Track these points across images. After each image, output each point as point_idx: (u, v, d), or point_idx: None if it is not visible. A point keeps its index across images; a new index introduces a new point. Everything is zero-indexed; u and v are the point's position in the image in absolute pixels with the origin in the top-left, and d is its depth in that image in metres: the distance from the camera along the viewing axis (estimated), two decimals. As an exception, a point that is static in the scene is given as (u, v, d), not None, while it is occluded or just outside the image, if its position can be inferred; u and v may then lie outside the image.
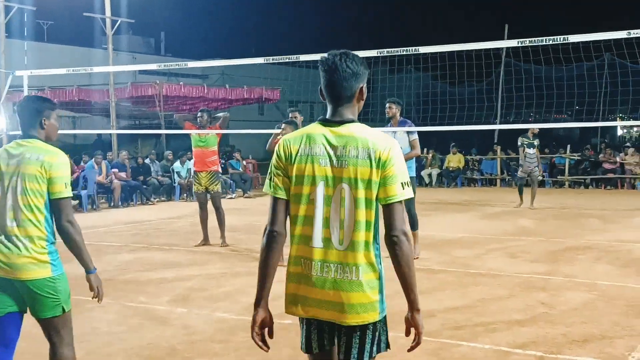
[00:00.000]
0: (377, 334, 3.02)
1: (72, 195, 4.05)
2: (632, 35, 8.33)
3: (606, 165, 22.56)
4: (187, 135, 11.53)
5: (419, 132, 9.84)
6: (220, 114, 11.71)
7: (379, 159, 2.90)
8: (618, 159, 22.63)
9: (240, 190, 21.67)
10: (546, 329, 6.13)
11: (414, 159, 9.85)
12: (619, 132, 48.47)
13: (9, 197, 3.97)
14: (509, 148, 24.02)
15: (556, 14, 71.84)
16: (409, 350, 3.07)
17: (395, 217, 2.93)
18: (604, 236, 11.76)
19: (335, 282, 2.94)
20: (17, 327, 4.10)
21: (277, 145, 3.10)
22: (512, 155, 23.83)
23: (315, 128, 3.03)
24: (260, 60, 11.42)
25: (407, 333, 3.08)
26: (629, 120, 27.82)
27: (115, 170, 18.67)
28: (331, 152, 2.95)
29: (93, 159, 18.20)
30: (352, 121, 3.01)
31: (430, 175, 24.69)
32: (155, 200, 19.71)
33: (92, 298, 4.14)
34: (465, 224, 13.80)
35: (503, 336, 5.93)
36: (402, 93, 20.48)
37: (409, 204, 9.03)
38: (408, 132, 9.60)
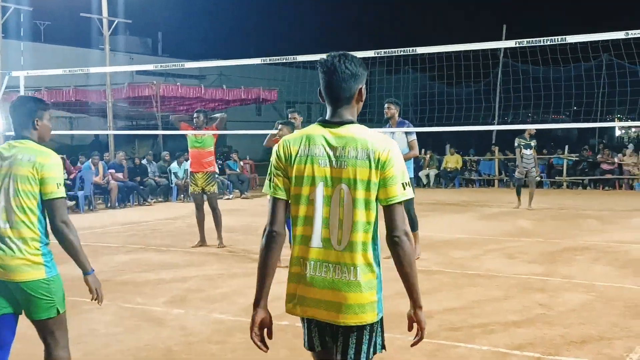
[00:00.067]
0: (373, 334, 3.03)
1: (65, 195, 4.01)
2: (630, 36, 8.32)
3: (604, 166, 22.56)
4: (184, 136, 11.51)
5: (417, 133, 9.83)
6: (217, 115, 11.69)
7: (378, 160, 2.91)
8: (616, 160, 22.63)
9: (237, 191, 21.64)
10: (544, 330, 6.11)
11: (412, 159, 9.84)
12: (617, 132, 48.52)
13: (1, 198, 3.94)
14: (506, 149, 24.02)
15: (556, 14, 71.94)
16: (412, 345, 3.13)
17: (397, 217, 2.95)
18: (602, 237, 11.75)
19: (334, 282, 2.96)
20: (12, 329, 4.08)
21: (277, 145, 3.11)
22: (510, 155, 23.82)
23: (315, 129, 3.04)
24: (257, 60, 11.41)
25: (410, 328, 3.10)
26: (627, 120, 27.81)
27: (112, 170, 18.65)
28: (330, 153, 2.96)
29: (90, 160, 18.17)
30: (351, 122, 3.02)
31: (428, 176, 24.68)
32: (153, 201, 19.67)
33: (92, 300, 4.09)
34: (463, 225, 13.78)
35: (500, 337, 5.92)
36: (400, 94, 20.48)
37: (409, 205, 9.01)
38: (406, 133, 9.59)
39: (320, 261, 2.98)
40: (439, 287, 7.84)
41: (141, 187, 19.50)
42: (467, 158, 25.80)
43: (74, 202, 16.94)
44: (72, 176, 17.57)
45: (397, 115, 9.75)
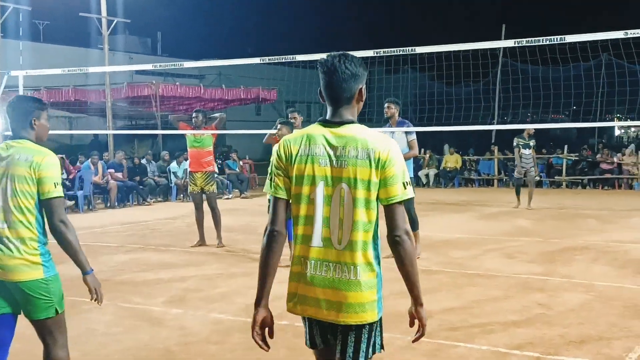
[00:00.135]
0: (372, 334, 3.04)
1: (63, 195, 4.00)
2: (629, 36, 8.31)
3: (603, 166, 22.55)
4: (184, 136, 11.51)
5: (416, 133, 9.83)
6: (217, 115, 11.69)
7: (379, 159, 2.93)
8: (615, 159, 22.62)
9: (236, 190, 21.63)
10: (543, 330, 6.11)
11: (412, 159, 9.84)
12: (617, 132, 48.52)
13: None
14: (506, 148, 24.00)
15: (555, 13, 71.94)
16: (413, 341, 3.15)
17: (397, 217, 2.97)
18: (602, 237, 11.74)
19: (334, 281, 2.97)
20: (11, 328, 4.08)
21: (277, 145, 3.12)
22: (509, 155, 23.79)
23: (315, 129, 3.05)
24: (256, 60, 11.40)
25: (411, 325, 3.14)
26: (627, 120, 27.82)
27: (112, 170, 18.64)
28: (331, 152, 2.98)
29: (89, 160, 18.16)
30: (351, 122, 3.04)
31: (427, 175, 24.67)
32: (152, 200, 19.65)
33: (91, 300, 4.07)
34: (463, 225, 13.78)
35: (500, 337, 5.91)
36: (399, 93, 20.48)
37: (409, 204, 8.99)
38: (406, 133, 9.60)
39: (320, 260, 2.99)
40: (438, 287, 7.83)
41: (140, 186, 19.49)
42: (466, 158, 25.79)
43: (73, 202, 16.93)
44: (71, 176, 17.57)
45: (397, 114, 9.75)
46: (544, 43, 8.96)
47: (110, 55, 24.96)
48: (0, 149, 4.04)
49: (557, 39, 8.78)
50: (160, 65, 13.81)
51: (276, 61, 11.37)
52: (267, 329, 3.10)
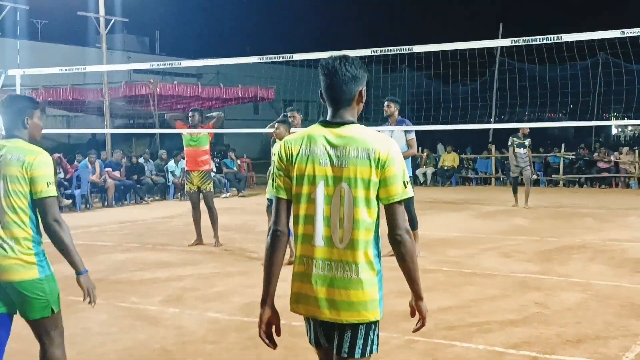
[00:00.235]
0: (370, 331, 3.06)
1: (56, 194, 3.98)
2: (626, 35, 8.31)
3: (601, 165, 22.57)
4: (181, 135, 11.50)
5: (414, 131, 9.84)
6: (214, 114, 11.68)
7: (379, 159, 2.97)
8: (612, 158, 22.65)
9: (234, 189, 21.62)
10: (540, 329, 6.11)
11: (410, 158, 9.84)
12: (614, 131, 48.59)
13: None
14: (503, 147, 23.96)
15: (553, 13, 71.97)
16: (414, 331, 3.25)
17: (398, 216, 3.01)
18: (599, 235, 11.75)
19: (336, 280, 3.01)
20: (7, 328, 4.07)
21: (279, 146, 3.16)
22: (506, 154, 23.74)
23: (316, 129, 3.09)
24: (254, 59, 11.37)
25: (412, 315, 3.23)
26: (624, 119, 27.85)
27: (109, 169, 18.62)
28: (331, 152, 3.01)
29: (87, 159, 18.14)
30: (352, 122, 3.08)
31: (425, 174, 24.68)
32: (149, 199, 19.63)
33: (84, 301, 4.05)
34: (460, 223, 13.78)
35: (497, 336, 5.92)
36: (397, 92, 20.48)
37: (409, 204, 8.99)
38: (406, 131, 9.61)
39: (322, 259, 3.03)
40: (435, 286, 7.82)
41: (138, 185, 19.47)
42: (464, 156, 25.80)
43: (70, 201, 16.91)
44: (68, 175, 17.54)
45: (396, 113, 9.76)
46: (541, 42, 8.97)
47: (108, 54, 24.93)
48: None
49: (554, 37, 8.78)
50: (157, 64, 13.77)
51: (274, 60, 11.34)
52: (274, 327, 3.15)
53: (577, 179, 22.96)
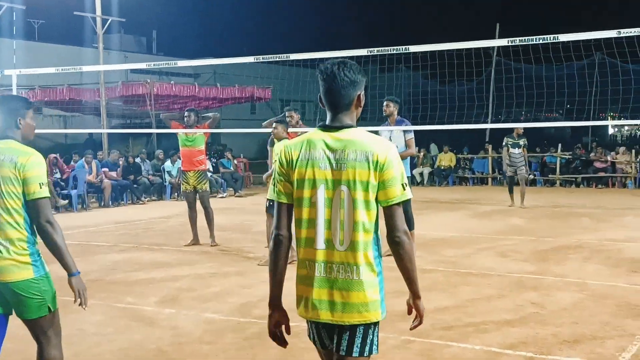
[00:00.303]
0: (369, 330, 3.09)
1: (49, 195, 3.98)
2: (622, 35, 8.31)
3: (597, 164, 22.60)
4: (177, 135, 11.48)
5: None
6: (210, 114, 11.66)
7: (377, 162, 3.01)
8: (609, 158, 22.68)
9: (231, 189, 21.62)
10: (536, 329, 6.11)
11: (408, 158, 9.84)
12: (610, 131, 48.66)
13: None
14: (500, 147, 23.96)
15: (549, 13, 72.03)
16: (411, 329, 3.28)
17: (396, 218, 3.07)
18: (595, 235, 11.76)
19: (338, 282, 3.05)
20: (3, 328, 4.07)
21: (279, 152, 3.22)
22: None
23: (315, 134, 3.14)
24: (250, 59, 11.35)
25: (409, 313, 3.29)
26: (620, 119, 27.88)
27: (106, 169, 18.59)
28: (330, 156, 3.06)
29: (83, 159, 18.11)
30: (350, 126, 3.13)
31: (421, 174, 24.69)
32: (146, 199, 19.62)
33: (74, 302, 4.03)
34: (456, 223, 13.79)
35: (493, 336, 5.91)
36: (393, 92, 20.45)
37: (406, 204, 8.97)
38: (404, 131, 9.61)
39: (324, 262, 3.07)
40: (432, 286, 7.82)
41: (135, 185, 19.45)
42: (460, 156, 25.82)
43: (67, 201, 16.89)
44: (65, 175, 17.51)
45: (395, 113, 9.76)
46: (537, 42, 8.97)
47: (105, 54, 24.90)
48: None
49: (550, 37, 8.78)
50: (154, 64, 13.76)
51: (271, 60, 11.33)
52: (283, 327, 3.22)
53: (574, 179, 22.98)
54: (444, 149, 25.08)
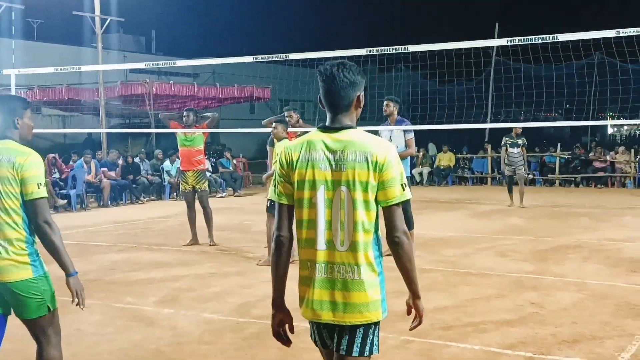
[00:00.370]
0: (369, 331, 3.11)
1: (47, 195, 3.97)
2: (621, 35, 8.30)
3: (596, 164, 22.60)
4: (176, 134, 11.47)
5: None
6: (209, 114, 11.66)
7: (376, 162, 3.03)
8: (608, 158, 22.68)
9: (230, 189, 21.61)
10: (536, 329, 6.10)
11: (408, 158, 9.83)
12: (609, 130, 48.68)
13: None
14: (499, 147, 24.00)
15: (548, 13, 72.04)
16: (411, 329, 3.30)
17: (396, 218, 3.08)
18: (594, 235, 11.76)
19: (339, 282, 3.07)
20: (2, 329, 4.07)
21: (280, 153, 3.24)
22: (503, 154, 23.81)
23: (315, 135, 3.16)
24: (249, 58, 11.33)
25: (409, 313, 3.32)
26: (619, 118, 27.88)
27: (105, 169, 18.58)
28: (330, 157, 3.08)
29: (82, 158, 18.10)
30: (350, 127, 3.15)
31: (421, 173, 24.69)
32: (145, 199, 19.62)
33: (72, 303, 4.03)
34: (456, 223, 13.78)
35: (492, 336, 5.91)
36: (392, 92, 20.44)
37: (406, 204, 8.96)
38: (405, 131, 9.60)
39: (325, 263, 3.09)
40: (431, 286, 7.81)
41: (134, 185, 19.44)
42: (459, 156, 25.82)
43: (65, 201, 16.87)
44: (64, 175, 17.50)
45: (395, 112, 9.75)
46: (536, 42, 8.96)
47: (104, 54, 24.87)
48: None
49: (549, 37, 8.77)
50: (152, 64, 13.75)
51: (270, 59, 11.31)
52: (287, 326, 3.27)
53: (573, 179, 22.98)
54: (444, 149, 25.08)
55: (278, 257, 3.19)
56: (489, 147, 24.86)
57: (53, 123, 31.25)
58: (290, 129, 9.57)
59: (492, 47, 24.31)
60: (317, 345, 3.26)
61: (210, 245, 10.91)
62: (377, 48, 9.75)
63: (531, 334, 5.96)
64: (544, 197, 18.77)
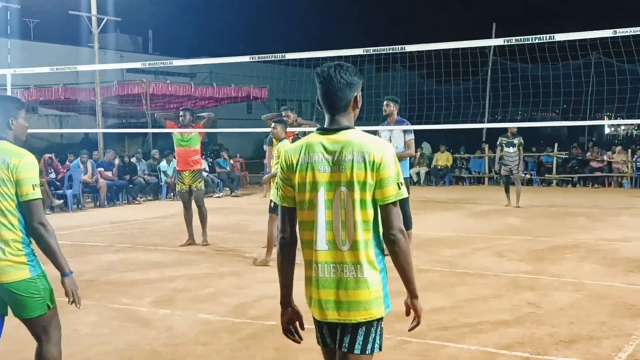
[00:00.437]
0: (372, 329, 3.15)
1: (42, 197, 3.99)
2: (618, 34, 8.30)
3: (594, 164, 22.62)
4: (173, 135, 11.45)
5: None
6: (204, 114, 11.63)
7: (373, 162, 3.08)
8: (605, 158, 22.70)
9: (227, 189, 21.59)
10: (532, 330, 6.09)
11: (407, 159, 9.80)
12: (607, 130, 48.68)
13: None
14: (496, 146, 24.02)
15: (555, 13, 72.10)
16: (409, 330, 3.35)
17: (393, 216, 3.12)
18: (591, 235, 11.76)
19: (342, 281, 3.12)
20: (-1, 329, 4.07)
21: (281, 157, 3.31)
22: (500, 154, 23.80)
23: (314, 137, 3.22)
24: (246, 58, 11.31)
25: (407, 314, 3.35)
26: (616, 118, 27.91)
27: (101, 169, 18.54)
28: (329, 158, 3.14)
29: (78, 158, 18.06)
30: (347, 128, 3.19)
31: (418, 173, 24.69)
32: (142, 199, 19.59)
33: (69, 303, 4.07)
34: (453, 223, 13.78)
35: (489, 337, 5.90)
36: (389, 91, 20.44)
37: (404, 204, 8.97)
38: (404, 132, 9.57)
39: (327, 263, 3.14)
40: (428, 286, 7.79)
41: (130, 185, 19.42)
42: (457, 156, 25.83)
43: (62, 201, 16.83)
44: (60, 175, 17.47)
45: (395, 113, 9.72)
46: (534, 42, 8.96)
47: (101, 54, 24.84)
48: None
49: (546, 37, 8.76)
50: (149, 64, 13.72)
51: (266, 59, 11.29)
52: (297, 323, 3.33)
53: (570, 179, 23.00)
54: (441, 149, 25.08)
55: (283, 257, 3.26)
56: (486, 147, 24.86)
57: (50, 123, 31.19)
58: (288, 129, 9.57)
59: (490, 47, 24.31)
60: (318, 344, 3.31)
61: (202, 244, 10.92)
62: (373, 48, 9.74)
63: (528, 334, 5.95)
64: (541, 197, 18.77)
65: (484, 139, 27.18)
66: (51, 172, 17.41)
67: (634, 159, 22.37)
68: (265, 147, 9.95)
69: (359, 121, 3.41)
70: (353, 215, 3.09)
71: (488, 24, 29.44)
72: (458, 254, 10.06)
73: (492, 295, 7.42)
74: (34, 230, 3.90)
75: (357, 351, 3.11)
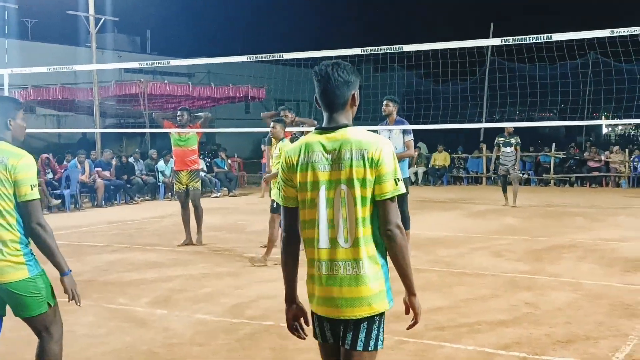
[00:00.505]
0: (373, 325, 3.17)
1: (40, 197, 3.99)
2: (615, 34, 8.31)
3: (591, 164, 22.62)
4: (170, 134, 11.44)
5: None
6: (202, 114, 11.62)
7: (372, 158, 3.11)
8: (603, 157, 22.70)
9: (225, 189, 21.57)
10: (530, 330, 6.09)
11: (407, 159, 9.78)
12: (604, 130, 48.73)
13: None
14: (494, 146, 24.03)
15: (555, 13, 72.16)
16: (408, 328, 3.38)
17: (390, 212, 3.14)
18: (589, 235, 11.76)
19: (344, 278, 3.14)
20: (-2, 330, 4.08)
21: (281, 158, 3.35)
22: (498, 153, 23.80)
23: (312, 137, 3.25)
24: (243, 58, 11.30)
25: (407, 312, 3.36)
26: (614, 118, 27.94)
27: (99, 169, 18.52)
28: (328, 157, 3.17)
29: (76, 158, 18.04)
30: (345, 126, 3.23)
31: (416, 173, 24.67)
32: (139, 199, 19.58)
33: (69, 302, 4.09)
34: (451, 223, 13.77)
35: (487, 337, 5.90)
36: (387, 91, 20.47)
37: (403, 204, 8.95)
38: (404, 132, 9.55)
39: (330, 261, 3.17)
40: (425, 286, 7.78)
41: (128, 185, 19.40)
42: (455, 156, 25.82)
43: (59, 201, 16.80)
44: (57, 175, 17.44)
45: (395, 113, 9.70)
46: (531, 42, 8.96)
47: (99, 54, 24.82)
48: None
49: (543, 37, 8.77)
50: (147, 64, 13.70)
51: (264, 59, 11.29)
52: (302, 319, 3.37)
53: (568, 178, 22.99)
54: (439, 149, 25.06)
55: (286, 255, 3.32)
56: (484, 147, 24.84)
57: (47, 123, 31.17)
58: (287, 129, 9.57)
59: (487, 46, 24.30)
60: (316, 339, 3.32)
61: (196, 243, 10.94)
62: (371, 48, 9.74)
63: (525, 334, 5.95)
64: (539, 197, 18.77)
65: (481, 139, 27.17)
66: (49, 172, 17.39)
67: (632, 158, 22.38)
68: (264, 147, 9.94)
69: (357, 121, 3.41)
70: (354, 212, 3.12)
71: (486, 24, 29.41)
72: (456, 253, 10.06)
73: (489, 295, 7.42)
74: (32, 231, 3.91)
75: (359, 348, 3.14)
